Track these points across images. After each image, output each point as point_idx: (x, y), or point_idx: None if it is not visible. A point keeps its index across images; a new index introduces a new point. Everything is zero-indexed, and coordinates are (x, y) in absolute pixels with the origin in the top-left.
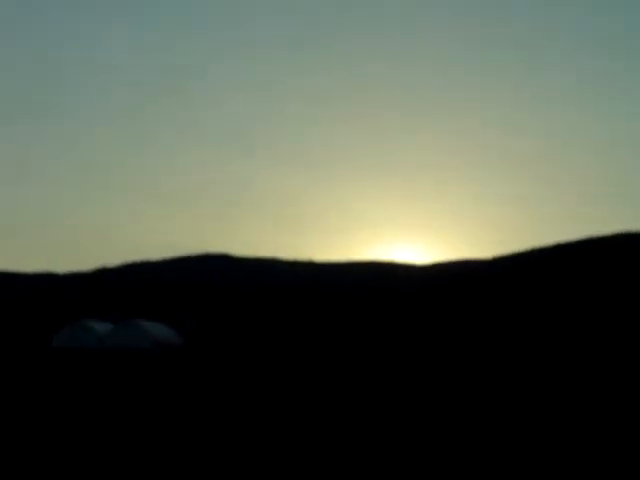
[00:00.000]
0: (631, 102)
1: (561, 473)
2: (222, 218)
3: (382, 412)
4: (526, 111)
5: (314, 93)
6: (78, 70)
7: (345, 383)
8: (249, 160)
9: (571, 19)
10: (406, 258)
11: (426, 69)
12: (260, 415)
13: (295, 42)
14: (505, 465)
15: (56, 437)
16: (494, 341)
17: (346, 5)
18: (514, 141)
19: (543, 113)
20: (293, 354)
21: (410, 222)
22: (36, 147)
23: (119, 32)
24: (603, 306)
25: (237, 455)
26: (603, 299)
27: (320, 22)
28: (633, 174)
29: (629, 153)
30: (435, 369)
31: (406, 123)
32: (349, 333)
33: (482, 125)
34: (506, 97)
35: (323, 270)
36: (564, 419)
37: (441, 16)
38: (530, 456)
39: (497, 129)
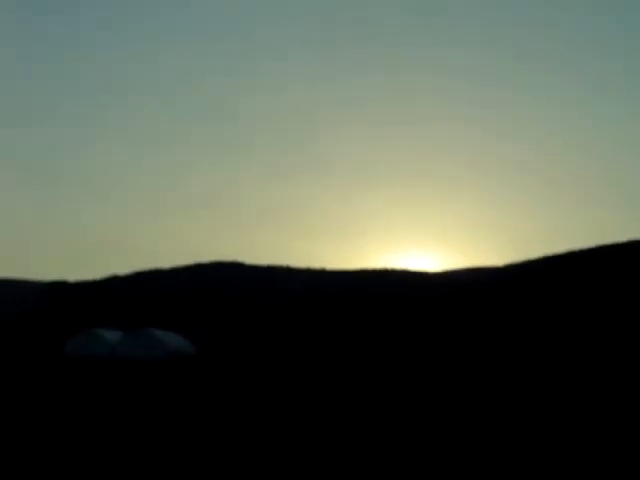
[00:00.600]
0: None
1: (561, 474)
2: (234, 226)
3: (394, 419)
4: (538, 117)
5: (328, 99)
6: (93, 77)
7: (357, 391)
8: (262, 168)
9: (572, 20)
10: (418, 266)
11: (441, 76)
12: (272, 424)
13: (307, 46)
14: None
15: (68, 445)
16: (506, 349)
17: (348, 9)
18: (527, 148)
19: (556, 119)
20: (305, 362)
21: (422, 230)
22: (48, 154)
23: (133, 36)
24: (616, 314)
25: (249, 464)
26: (616, 307)
27: (326, 24)
28: None
29: None
30: (447, 376)
31: (421, 131)
32: (362, 341)
33: (495, 132)
34: (520, 104)
35: (336, 278)
36: (572, 425)
37: (444, 23)
38: (538, 459)
39: (510, 136)
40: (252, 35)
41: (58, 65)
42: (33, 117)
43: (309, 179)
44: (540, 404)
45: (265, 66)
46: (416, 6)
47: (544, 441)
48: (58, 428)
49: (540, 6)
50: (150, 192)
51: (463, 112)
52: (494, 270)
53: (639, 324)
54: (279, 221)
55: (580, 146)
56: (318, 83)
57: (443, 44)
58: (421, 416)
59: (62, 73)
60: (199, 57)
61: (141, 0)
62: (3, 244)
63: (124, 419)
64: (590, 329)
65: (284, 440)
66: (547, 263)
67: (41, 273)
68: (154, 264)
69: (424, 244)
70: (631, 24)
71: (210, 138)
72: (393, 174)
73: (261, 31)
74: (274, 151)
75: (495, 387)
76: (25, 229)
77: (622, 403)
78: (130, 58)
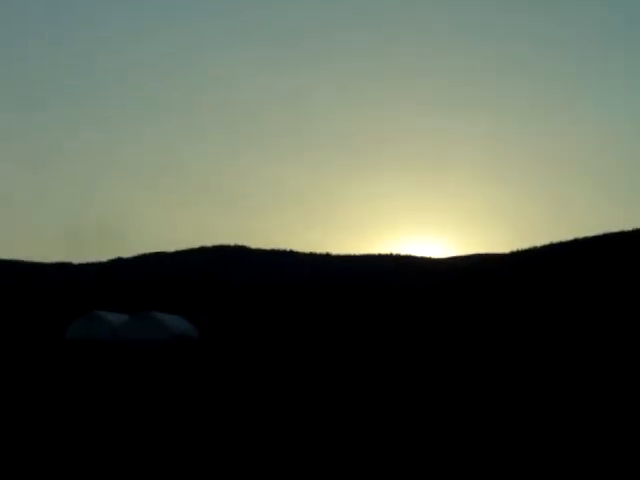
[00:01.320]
0: None
1: (562, 473)
2: (238, 210)
3: (392, 408)
4: (547, 105)
5: (330, 83)
6: (95, 59)
7: (358, 378)
8: (266, 152)
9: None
10: (423, 252)
11: (453, 60)
12: (272, 410)
13: (312, 31)
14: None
15: (69, 430)
16: (511, 337)
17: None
18: (534, 135)
19: (564, 105)
20: (308, 348)
21: (428, 216)
22: (52, 136)
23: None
24: (621, 302)
25: (247, 451)
26: (621, 295)
27: (325, 10)
28: None
29: None
30: (450, 364)
31: (427, 116)
32: (365, 327)
33: (503, 119)
34: (529, 92)
35: (340, 263)
36: (575, 415)
37: (456, 6)
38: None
39: (517, 123)
40: (255, 19)
41: (61, 50)
42: (36, 100)
43: (314, 163)
44: (544, 392)
45: (268, 48)
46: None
47: (546, 432)
48: (60, 413)
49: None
50: (155, 175)
51: (472, 98)
52: (499, 257)
53: None
54: (283, 205)
55: (587, 133)
56: (322, 65)
57: (457, 26)
58: (422, 403)
59: (66, 57)
60: (201, 36)
61: None
62: (8, 225)
63: (126, 403)
64: (594, 318)
65: (283, 429)
66: (552, 250)
67: (45, 255)
68: (158, 247)
69: (429, 230)
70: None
71: (213, 122)
72: (398, 159)
73: (263, 17)
74: (278, 135)
75: (498, 376)
76: (30, 210)
77: (625, 394)
78: (130, 38)
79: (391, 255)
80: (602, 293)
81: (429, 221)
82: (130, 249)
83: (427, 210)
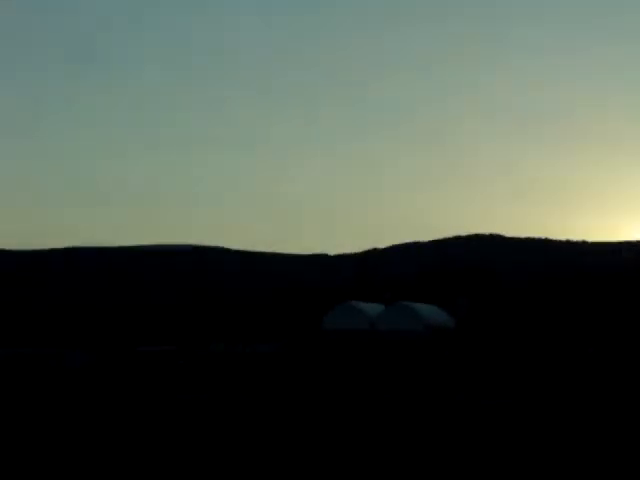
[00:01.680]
0: None
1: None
2: (492, 199)
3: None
4: None
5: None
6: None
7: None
8: (519, 141)
9: None
10: None
11: None
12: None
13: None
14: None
15: (332, 414)
16: None
17: None
18: None
19: None
20: (561, 339)
21: None
22: (301, 144)
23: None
24: None
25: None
26: None
27: None
28: None
29: None
30: None
31: None
32: (626, 319)
33: None
34: None
35: (597, 250)
36: None
37: None
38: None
39: None
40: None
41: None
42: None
43: (564, 149)
44: None
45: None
46: None
47: None
48: (325, 398)
49: None
50: (410, 169)
51: None
52: None
53: None
54: (538, 194)
55: None
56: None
57: None
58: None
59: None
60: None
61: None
62: (272, 219)
63: (382, 391)
64: None
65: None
66: None
67: (301, 246)
68: (414, 237)
69: None
70: None
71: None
72: None
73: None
74: (530, 123)
75: None
76: (285, 203)
77: None
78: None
79: None
80: None
81: None
82: (385, 239)
83: None
